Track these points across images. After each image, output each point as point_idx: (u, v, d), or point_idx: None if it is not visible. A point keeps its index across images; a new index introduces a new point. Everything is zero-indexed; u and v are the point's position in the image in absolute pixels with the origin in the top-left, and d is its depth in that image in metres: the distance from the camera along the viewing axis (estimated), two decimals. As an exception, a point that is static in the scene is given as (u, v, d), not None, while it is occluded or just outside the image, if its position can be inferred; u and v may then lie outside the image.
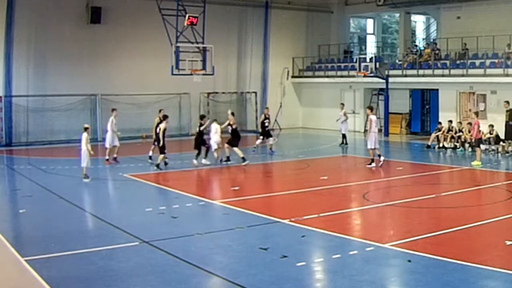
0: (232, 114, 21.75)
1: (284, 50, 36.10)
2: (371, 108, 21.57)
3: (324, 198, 15.48)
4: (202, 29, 26.95)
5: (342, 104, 28.33)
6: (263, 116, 24.79)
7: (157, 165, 19.54)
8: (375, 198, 15.15)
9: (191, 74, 26.32)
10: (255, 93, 35.06)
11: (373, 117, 20.40)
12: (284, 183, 18.35)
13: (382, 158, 20.13)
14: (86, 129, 17.94)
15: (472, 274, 8.97)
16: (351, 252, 10.19)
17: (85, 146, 17.55)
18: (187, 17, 26.19)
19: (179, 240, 11.17)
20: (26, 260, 9.65)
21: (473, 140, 21.80)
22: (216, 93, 33.47)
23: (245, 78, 35.03)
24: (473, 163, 20.29)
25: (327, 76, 34.76)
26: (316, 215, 12.88)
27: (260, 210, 13.61)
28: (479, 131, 21.07)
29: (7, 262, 10.00)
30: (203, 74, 26.77)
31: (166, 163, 20.15)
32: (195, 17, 26.39)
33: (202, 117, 21.55)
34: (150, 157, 21.21)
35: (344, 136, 26.79)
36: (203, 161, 20.50)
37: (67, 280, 8.95)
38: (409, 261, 9.57)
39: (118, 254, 10.22)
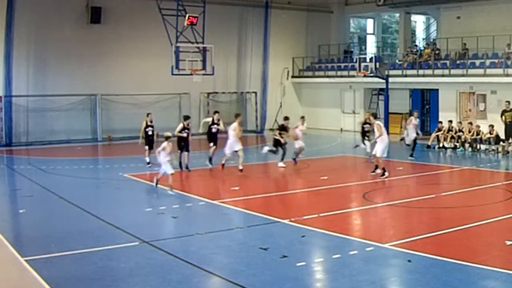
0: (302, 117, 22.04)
1: (284, 50, 36.11)
2: (375, 115, 19.70)
3: (324, 198, 15.48)
4: (202, 29, 26.98)
5: (416, 111, 24.64)
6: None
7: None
8: (375, 198, 15.15)
9: (191, 74, 26.34)
10: (255, 93, 35.08)
11: (380, 123, 18.64)
12: (284, 183, 18.34)
13: (378, 171, 18.25)
14: (167, 138, 16.14)
15: (472, 274, 8.97)
16: (351, 252, 10.19)
17: (166, 158, 15.69)
18: (187, 17, 26.22)
19: (179, 240, 11.17)
20: (26, 260, 9.65)
21: None
22: (216, 93, 33.48)
23: (245, 78, 35.04)
24: None
25: (327, 76, 34.76)
26: (316, 215, 12.88)
27: (260, 210, 13.61)
28: None
29: (7, 262, 10.00)
30: (203, 74, 26.79)
31: (148, 162, 20.27)
32: (195, 17, 26.42)
33: (186, 118, 19.75)
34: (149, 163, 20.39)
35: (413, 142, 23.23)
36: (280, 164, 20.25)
37: (67, 280, 8.94)
38: (409, 261, 9.57)
39: (118, 254, 10.22)
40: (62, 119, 28.81)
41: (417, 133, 22.51)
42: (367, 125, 21.64)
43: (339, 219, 13.03)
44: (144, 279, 8.94)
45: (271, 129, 34.96)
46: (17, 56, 27.60)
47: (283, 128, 20.97)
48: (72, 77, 28.96)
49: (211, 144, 20.32)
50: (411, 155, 22.23)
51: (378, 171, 18.11)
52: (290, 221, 12.37)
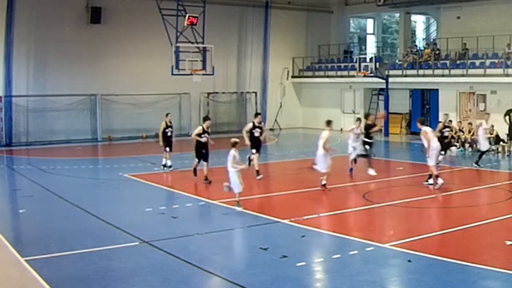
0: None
1: (284, 50, 36.13)
2: (421, 121, 17.37)
3: (324, 198, 15.47)
4: (202, 29, 26.98)
5: (488, 114, 22.34)
6: (251, 124, 18.44)
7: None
8: (375, 198, 15.14)
9: (191, 74, 26.33)
10: (255, 93, 35.08)
11: (427, 129, 16.80)
12: (284, 183, 18.33)
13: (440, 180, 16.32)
14: (234, 144, 13.60)
15: (472, 274, 8.97)
16: (351, 252, 10.19)
17: (234, 169, 13.54)
18: (187, 17, 26.21)
19: (179, 240, 11.17)
20: (26, 260, 9.66)
21: None
22: (216, 93, 33.48)
23: (245, 78, 35.05)
24: None
25: (327, 76, 34.77)
26: (316, 215, 12.88)
27: (260, 210, 13.61)
28: None
29: (7, 262, 10.00)
30: (203, 74, 26.78)
31: (170, 165, 19.64)
32: (195, 17, 26.41)
33: (206, 119, 17.97)
34: (165, 165, 19.73)
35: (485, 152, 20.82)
36: (370, 171, 18.17)
37: (67, 280, 8.95)
38: (409, 261, 9.58)
39: (118, 254, 10.22)
40: (62, 119, 28.82)
41: (490, 142, 20.75)
42: (447, 129, 20.00)
43: (339, 219, 13.04)
44: (144, 279, 8.94)
45: (271, 129, 34.99)
46: (17, 56, 27.60)
47: (370, 127, 18.68)
48: (72, 77, 28.96)
49: (254, 150, 17.94)
50: (477, 162, 20.14)
51: (432, 181, 16.51)
52: (290, 221, 12.37)
